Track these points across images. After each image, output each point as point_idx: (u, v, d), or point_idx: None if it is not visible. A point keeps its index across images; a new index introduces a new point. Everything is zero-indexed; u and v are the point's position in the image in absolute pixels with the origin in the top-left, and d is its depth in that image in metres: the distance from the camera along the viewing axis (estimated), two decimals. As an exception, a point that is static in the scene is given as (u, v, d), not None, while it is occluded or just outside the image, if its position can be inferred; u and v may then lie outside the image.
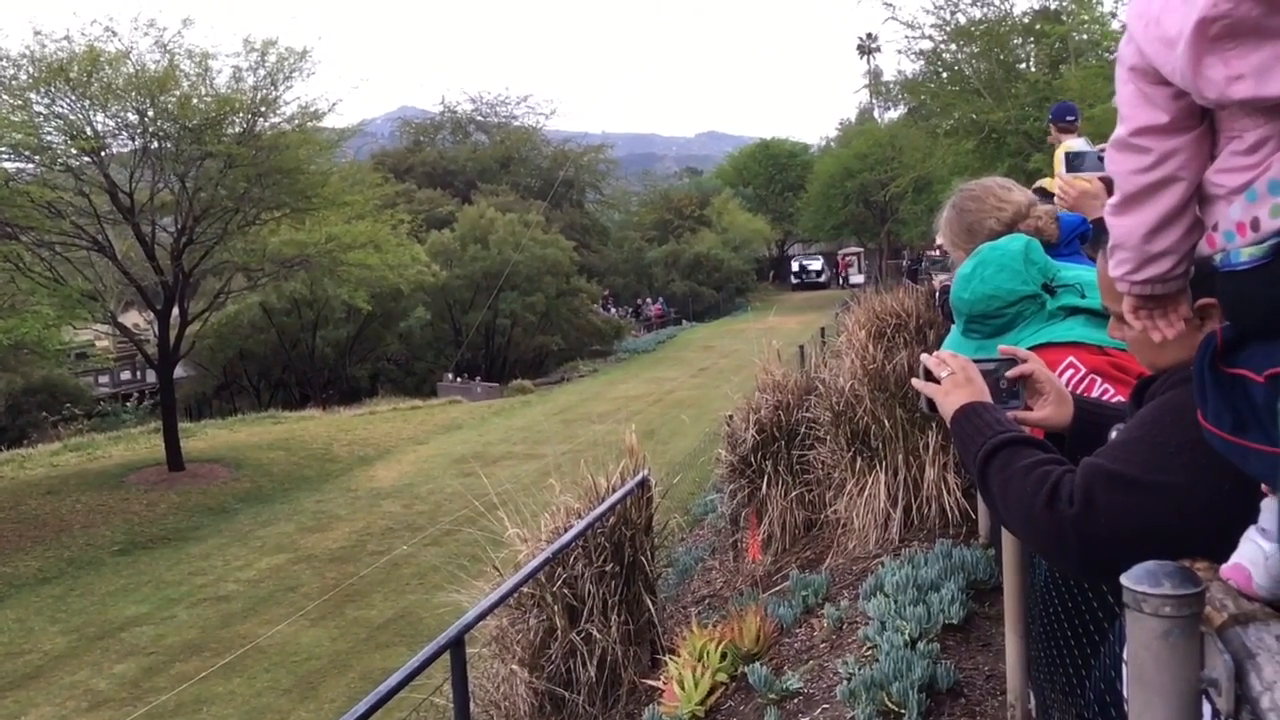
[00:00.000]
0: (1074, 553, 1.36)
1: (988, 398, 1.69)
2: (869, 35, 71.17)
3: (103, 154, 18.64)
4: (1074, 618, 1.88)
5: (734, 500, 7.42)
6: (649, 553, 6.00)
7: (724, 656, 4.53)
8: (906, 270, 32.10)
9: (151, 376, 28.34)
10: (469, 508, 9.39)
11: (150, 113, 18.65)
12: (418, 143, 61.99)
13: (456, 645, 3.79)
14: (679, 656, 4.72)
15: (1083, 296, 2.25)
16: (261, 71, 19.50)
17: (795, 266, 64.67)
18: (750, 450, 7.01)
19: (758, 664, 4.20)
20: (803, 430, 6.70)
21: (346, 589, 12.78)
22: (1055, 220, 2.63)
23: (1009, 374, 1.79)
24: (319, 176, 21.21)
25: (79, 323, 21.24)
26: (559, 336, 41.00)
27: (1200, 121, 1.09)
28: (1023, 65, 25.03)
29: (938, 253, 9.15)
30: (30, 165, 18.43)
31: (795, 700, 3.88)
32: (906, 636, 3.81)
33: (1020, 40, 24.69)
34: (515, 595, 5.22)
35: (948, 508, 5.38)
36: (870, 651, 3.91)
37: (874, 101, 60.29)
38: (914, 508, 5.54)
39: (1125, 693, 1.28)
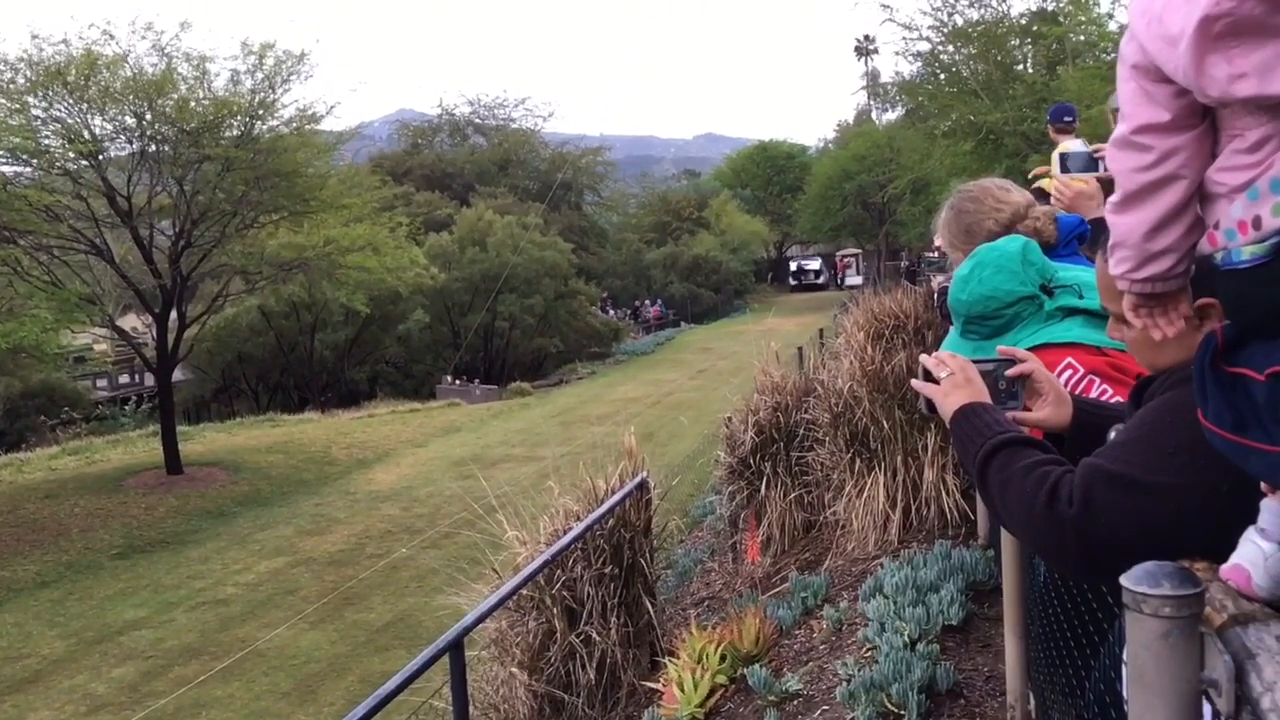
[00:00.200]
0: (1073, 553, 1.36)
1: (987, 398, 1.68)
2: (866, 37, 71.29)
3: (100, 157, 18.65)
4: (1074, 619, 1.88)
5: (733, 502, 7.42)
6: (648, 555, 5.99)
7: (723, 658, 4.53)
8: (905, 271, 32.12)
9: (150, 380, 28.33)
10: (468, 510, 9.38)
11: (148, 116, 18.66)
12: (416, 145, 62.03)
13: (456, 648, 3.78)
14: (678, 658, 4.71)
15: (1080, 297, 2.25)
16: (259, 74, 19.54)
17: (794, 267, 64.78)
18: (749, 452, 7.00)
19: (757, 666, 4.20)
20: (801, 432, 6.69)
21: (345, 592, 12.77)
22: (1053, 221, 2.63)
23: (1009, 373, 1.79)
24: (317, 179, 21.22)
25: (77, 326, 21.23)
26: (557, 339, 41.00)
27: (1202, 120, 1.09)
28: (1020, 66, 25.06)
29: (935, 254, 9.16)
30: (28, 169, 18.44)
31: (795, 702, 3.88)
32: (906, 638, 3.81)
33: (1018, 42, 24.71)
34: (514, 598, 5.21)
35: (947, 509, 5.37)
36: (870, 653, 3.90)
37: (872, 103, 60.34)
38: (913, 509, 5.54)
39: (1125, 693, 1.28)
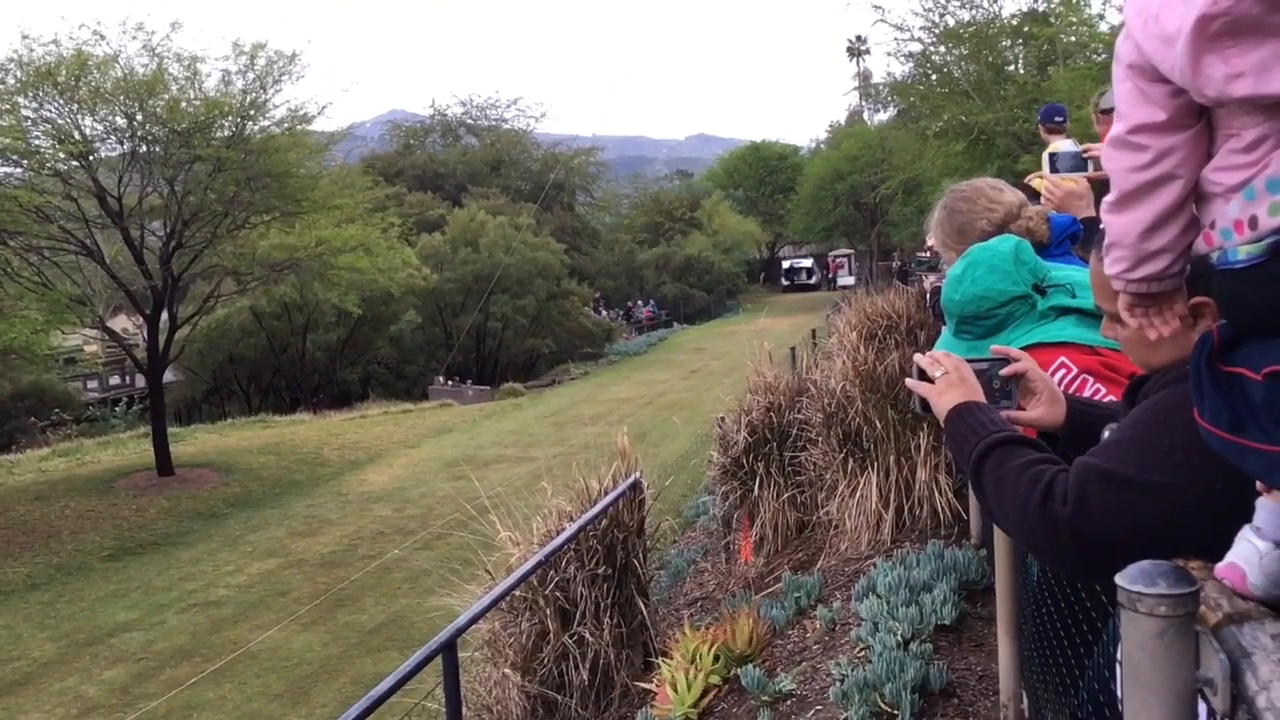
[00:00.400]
0: (1068, 552, 1.36)
1: (982, 397, 1.69)
2: (858, 38, 71.45)
3: (91, 158, 18.58)
4: (1067, 618, 1.88)
5: (726, 502, 7.41)
6: (641, 555, 5.99)
7: (717, 659, 4.52)
8: (897, 272, 32.18)
9: (140, 381, 28.21)
10: (460, 511, 9.37)
11: (139, 116, 18.61)
12: (408, 146, 61.93)
13: (449, 649, 3.77)
14: (671, 659, 4.71)
15: (1073, 297, 2.25)
16: (251, 75, 19.50)
17: (786, 266, 64.90)
18: (742, 452, 7.00)
19: (750, 666, 4.20)
20: (794, 432, 6.69)
21: (337, 593, 12.74)
22: (1046, 221, 2.63)
23: (1003, 372, 1.80)
24: (309, 180, 21.18)
25: (67, 327, 21.17)
26: (550, 339, 40.98)
27: (1198, 119, 1.09)
28: (1011, 67, 25.07)
29: (927, 253, 9.18)
30: (18, 170, 18.36)
31: (788, 702, 3.88)
32: (899, 637, 3.81)
33: (1009, 42, 24.73)
34: (507, 599, 5.20)
35: (939, 509, 5.38)
36: (863, 652, 3.91)
37: (863, 104, 60.47)
38: (906, 509, 5.54)
39: (1119, 692, 1.28)
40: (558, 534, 5.45)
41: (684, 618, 6.22)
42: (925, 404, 1.76)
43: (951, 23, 24.18)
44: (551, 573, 5.49)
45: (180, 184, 19.36)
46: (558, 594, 5.52)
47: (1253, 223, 1.02)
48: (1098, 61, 21.91)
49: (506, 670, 5.50)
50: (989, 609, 4.07)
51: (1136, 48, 1.07)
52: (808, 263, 64.34)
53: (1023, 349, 1.96)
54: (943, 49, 25.08)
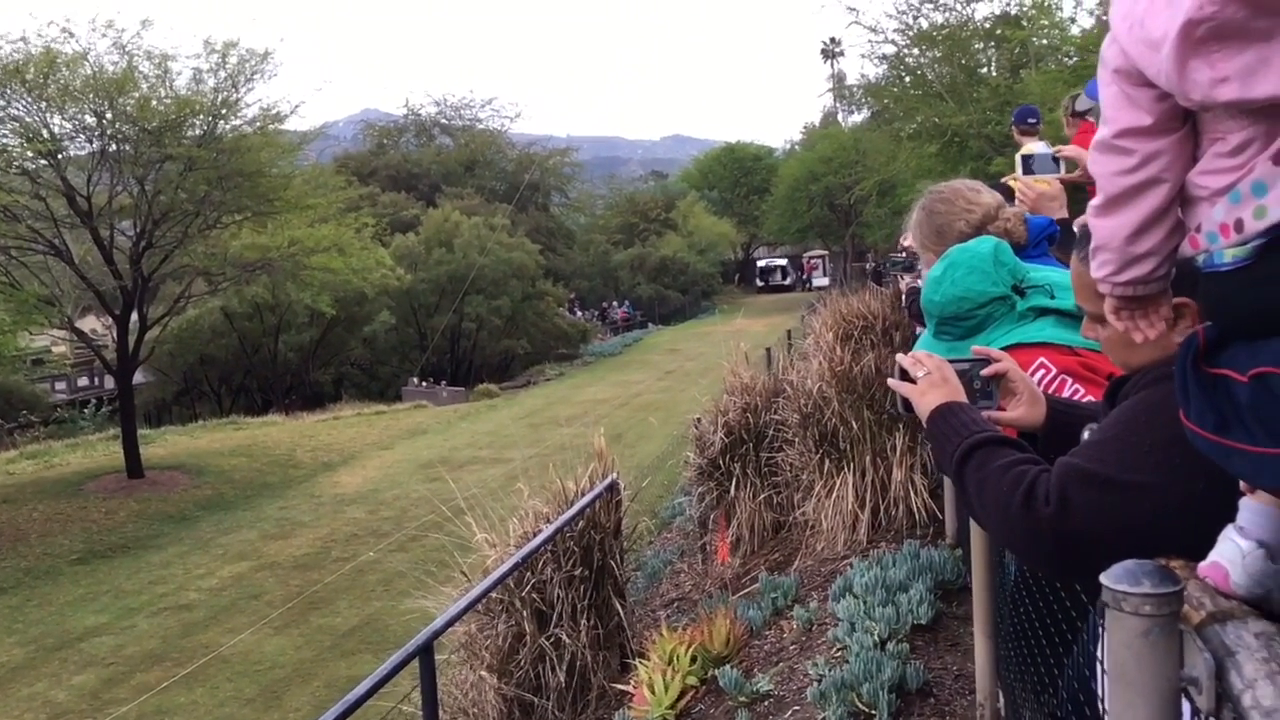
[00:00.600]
0: (1050, 552, 1.36)
1: (964, 398, 1.69)
2: (832, 40, 71.67)
3: (60, 157, 18.36)
4: (1045, 617, 1.89)
5: (702, 503, 7.43)
6: (618, 556, 5.98)
7: (694, 660, 4.52)
8: (871, 273, 32.32)
9: (109, 382, 27.90)
10: (435, 513, 9.32)
11: (108, 115, 18.40)
12: (381, 146, 61.63)
13: (425, 652, 3.75)
14: (649, 660, 4.71)
15: (1052, 298, 2.27)
16: (222, 73, 19.34)
17: (762, 264, 65.14)
18: (718, 453, 7.02)
19: (728, 666, 4.20)
20: (771, 432, 6.71)
21: (311, 596, 12.65)
22: (1024, 222, 2.65)
23: (985, 372, 1.80)
24: (281, 179, 21.03)
25: (35, 328, 20.90)
26: (525, 340, 40.90)
27: (1183, 123, 1.09)
28: (984, 70, 25.28)
29: (902, 254, 9.22)
30: (-16, 168, 18.09)
31: (766, 702, 3.88)
32: (876, 637, 3.83)
33: (981, 45, 24.94)
34: (484, 601, 5.18)
35: (915, 509, 5.41)
36: (840, 653, 3.92)
37: (838, 105, 60.78)
38: (882, 509, 5.57)
39: (1099, 690, 1.28)
40: (534, 535, 5.43)
41: (661, 619, 6.22)
42: (907, 404, 1.76)
43: (925, 25, 24.37)
44: (528, 574, 5.48)
45: (151, 183, 19.17)
46: (534, 596, 5.51)
47: (1238, 226, 1.02)
48: (1069, 64, 22.13)
49: (483, 673, 5.48)
50: (965, 609, 4.10)
51: (1122, 52, 1.08)
52: (782, 262, 64.60)
53: (1002, 350, 1.97)
54: (916, 51, 25.27)
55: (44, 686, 10.60)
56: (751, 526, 6.83)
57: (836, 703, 3.40)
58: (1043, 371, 2.10)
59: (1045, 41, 24.04)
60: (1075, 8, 23.57)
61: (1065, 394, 2.06)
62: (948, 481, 5.01)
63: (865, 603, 4.17)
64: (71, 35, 17.87)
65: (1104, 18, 20.76)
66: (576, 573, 5.61)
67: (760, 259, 68.20)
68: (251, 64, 19.55)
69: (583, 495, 5.78)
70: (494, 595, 5.35)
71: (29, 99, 17.72)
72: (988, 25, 24.15)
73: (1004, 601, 2.74)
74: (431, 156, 59.08)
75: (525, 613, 5.48)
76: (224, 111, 19.53)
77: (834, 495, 5.70)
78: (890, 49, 25.38)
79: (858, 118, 48.81)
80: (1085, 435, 1.59)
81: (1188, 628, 0.99)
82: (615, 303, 53.27)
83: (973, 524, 3.10)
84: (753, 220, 65.70)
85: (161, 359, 30.50)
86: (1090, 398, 2.00)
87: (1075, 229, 3.26)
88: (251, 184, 19.87)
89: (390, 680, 3.65)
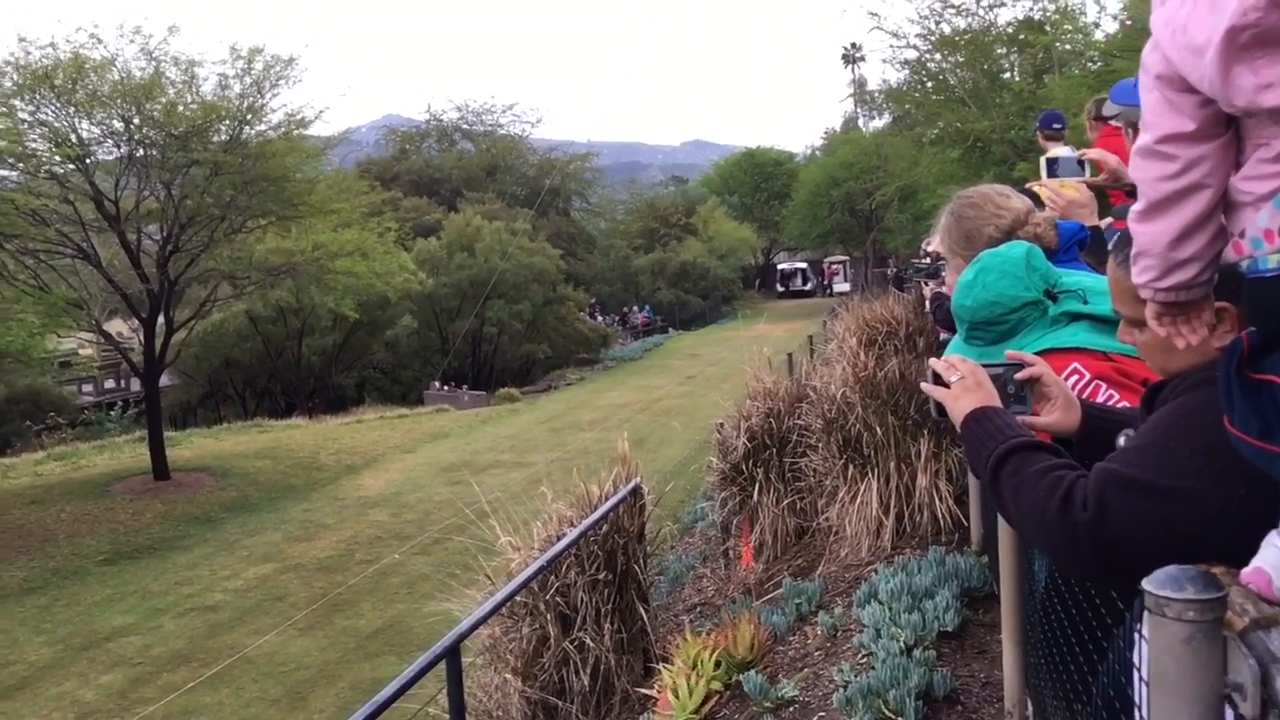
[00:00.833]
0: (1088, 558, 1.36)
1: (998, 402, 1.69)
2: (854, 45, 71.60)
3: (88, 161, 18.55)
4: (1078, 623, 1.88)
5: (725, 508, 7.41)
6: (642, 561, 5.99)
7: (718, 665, 4.51)
8: (892, 278, 32.22)
9: (135, 385, 28.16)
10: (458, 516, 9.36)
11: (136, 120, 18.58)
12: (403, 151, 61.92)
13: (452, 654, 3.77)
14: (672, 665, 4.70)
15: (1085, 302, 2.25)
16: (248, 79, 19.48)
17: (785, 268, 65.03)
18: (741, 458, 7.01)
19: (752, 672, 4.19)
20: (794, 438, 6.70)
21: (335, 598, 12.71)
22: (1054, 227, 2.64)
23: (1019, 376, 1.80)
24: (305, 184, 21.17)
25: (63, 331, 21.11)
26: (546, 345, 40.96)
27: (1226, 128, 1.09)
28: (1007, 75, 25.16)
29: (926, 260, 9.18)
30: (14, 173, 18.31)
31: (791, 708, 3.87)
32: (902, 644, 3.81)
33: (1004, 50, 24.82)
34: (508, 604, 5.20)
35: (940, 515, 5.39)
36: (865, 659, 3.91)
37: (859, 110, 60.78)
38: (906, 515, 5.55)
39: (1135, 696, 1.28)
40: (558, 539, 5.45)
41: (684, 623, 6.22)
42: (941, 409, 1.76)
43: (947, 30, 24.29)
44: (552, 578, 5.49)
45: (177, 188, 19.33)
46: (558, 599, 5.52)
47: None
48: (1093, 69, 22.00)
49: (507, 675, 5.49)
50: (991, 615, 4.08)
51: (1164, 58, 1.08)
52: (803, 265, 64.50)
53: (1035, 354, 1.96)
54: (938, 56, 25.18)
55: (72, 686, 10.70)
56: (775, 532, 6.82)
57: (863, 709, 3.39)
58: (1076, 377, 2.09)
59: (1069, 46, 23.92)
60: (1099, 12, 23.45)
61: (1099, 399, 2.04)
62: (972, 488, 4.98)
63: (891, 609, 4.15)
64: (100, 41, 18.07)
65: (1128, 22, 20.64)
66: (600, 577, 5.62)
67: (780, 263, 68.09)
68: (276, 70, 19.71)
69: (606, 499, 5.79)
70: (518, 598, 5.37)
71: (58, 104, 17.92)
72: (1010, 30, 24.04)
73: (1033, 608, 2.73)
74: (453, 161, 59.31)
75: (549, 616, 5.49)
76: (249, 117, 19.68)
77: (858, 501, 5.68)
78: (912, 54, 25.33)
79: (879, 123, 48.72)
80: (1121, 441, 1.59)
81: (1231, 634, 0.99)
82: (636, 308, 53.28)
83: (1000, 530, 3.08)
84: (773, 225, 65.59)
85: (187, 362, 30.75)
86: (1125, 403, 1.99)
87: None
88: (276, 189, 20.02)
89: (415, 683, 3.68)
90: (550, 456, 15.06)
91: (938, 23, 24.25)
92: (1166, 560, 1.05)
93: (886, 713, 3.36)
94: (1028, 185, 4.46)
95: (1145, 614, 1.05)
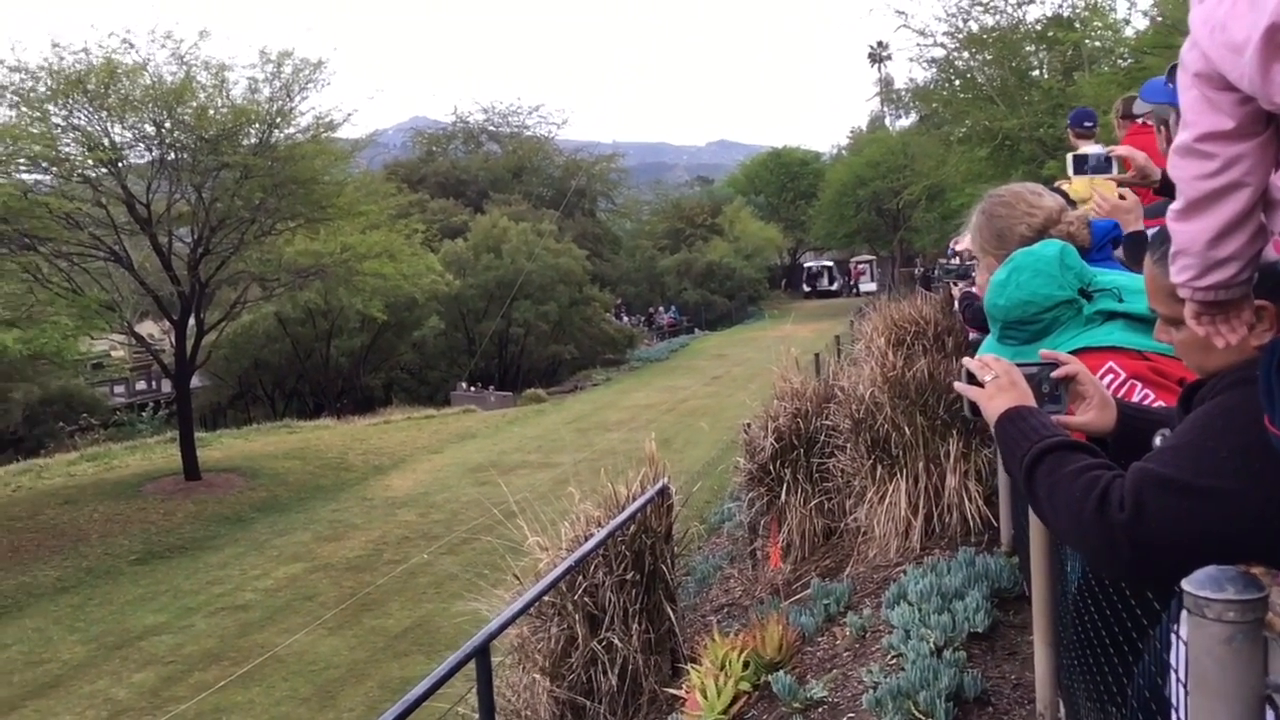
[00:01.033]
0: (1125, 558, 1.35)
1: (1032, 402, 1.68)
2: (880, 43, 71.15)
3: (120, 165, 18.76)
4: (1112, 624, 1.87)
5: (753, 508, 7.40)
6: (669, 561, 5.98)
7: (746, 665, 4.51)
8: (920, 278, 32.03)
9: (167, 386, 28.48)
10: (486, 516, 9.41)
11: (167, 124, 18.79)
12: (430, 153, 62.18)
13: (482, 654, 3.78)
14: (701, 665, 4.70)
15: (1120, 301, 2.23)
16: (277, 83, 19.64)
17: (811, 266, 64.85)
18: (769, 458, 6.99)
19: (781, 672, 4.18)
20: (822, 438, 6.68)
21: (363, 598, 12.80)
22: (1087, 225, 2.61)
23: (1055, 375, 1.79)
24: (334, 187, 21.31)
25: (96, 333, 21.36)
26: (572, 345, 41.05)
27: (1266, 126, 1.08)
28: (1036, 72, 24.98)
29: (955, 260, 9.11)
30: (48, 177, 18.55)
31: (820, 709, 3.86)
32: (932, 645, 3.80)
33: (1033, 47, 24.64)
34: (536, 604, 5.21)
35: (969, 515, 5.36)
36: (895, 660, 3.89)
37: (885, 109, 60.37)
38: (935, 515, 5.52)
39: (1172, 698, 1.27)
40: (586, 539, 5.45)
41: (712, 624, 6.21)
42: (974, 408, 1.75)
43: (975, 28, 24.13)
44: (580, 578, 5.50)
45: (208, 191, 19.53)
46: (586, 599, 5.53)
47: None
48: (1123, 66, 21.79)
49: (535, 675, 5.51)
50: (1022, 617, 4.05)
51: (1203, 56, 1.07)
52: (829, 263, 64.29)
53: (1069, 354, 1.94)
54: (966, 54, 25.03)
55: (105, 684, 10.83)
56: (802, 532, 6.79)
57: (893, 710, 3.38)
58: (1111, 376, 2.07)
59: (1099, 43, 23.71)
60: (1129, 9, 23.23)
61: (1135, 399, 2.02)
62: (1002, 488, 4.95)
63: (920, 610, 4.13)
64: (131, 46, 18.29)
65: (1159, 19, 20.43)
66: (628, 577, 5.62)
67: (807, 262, 67.91)
68: (305, 73, 19.86)
69: (634, 500, 5.79)
70: (546, 598, 5.38)
71: (90, 109, 18.14)
72: (1039, 27, 23.84)
73: (1065, 609, 2.71)
74: (479, 163, 59.52)
75: (577, 616, 5.50)
76: (279, 120, 19.84)
77: (886, 501, 5.66)
78: (939, 52, 25.19)
79: (906, 122, 48.47)
80: (1157, 441, 1.58)
81: (1272, 635, 0.98)
82: (662, 308, 53.27)
83: (1032, 531, 3.06)
84: (799, 225, 65.37)
85: (217, 363, 31.05)
86: (1160, 403, 1.97)
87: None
88: (305, 191, 20.17)
89: (445, 682, 3.69)
90: (577, 457, 15.11)
91: (965, 20, 24.12)
92: (1205, 561, 1.04)
93: (917, 714, 3.34)
94: (1057, 184, 4.43)
95: (1184, 615, 1.04)
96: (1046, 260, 2.27)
